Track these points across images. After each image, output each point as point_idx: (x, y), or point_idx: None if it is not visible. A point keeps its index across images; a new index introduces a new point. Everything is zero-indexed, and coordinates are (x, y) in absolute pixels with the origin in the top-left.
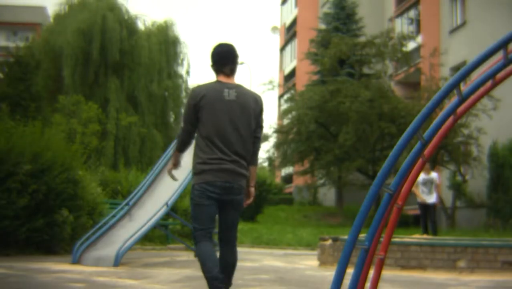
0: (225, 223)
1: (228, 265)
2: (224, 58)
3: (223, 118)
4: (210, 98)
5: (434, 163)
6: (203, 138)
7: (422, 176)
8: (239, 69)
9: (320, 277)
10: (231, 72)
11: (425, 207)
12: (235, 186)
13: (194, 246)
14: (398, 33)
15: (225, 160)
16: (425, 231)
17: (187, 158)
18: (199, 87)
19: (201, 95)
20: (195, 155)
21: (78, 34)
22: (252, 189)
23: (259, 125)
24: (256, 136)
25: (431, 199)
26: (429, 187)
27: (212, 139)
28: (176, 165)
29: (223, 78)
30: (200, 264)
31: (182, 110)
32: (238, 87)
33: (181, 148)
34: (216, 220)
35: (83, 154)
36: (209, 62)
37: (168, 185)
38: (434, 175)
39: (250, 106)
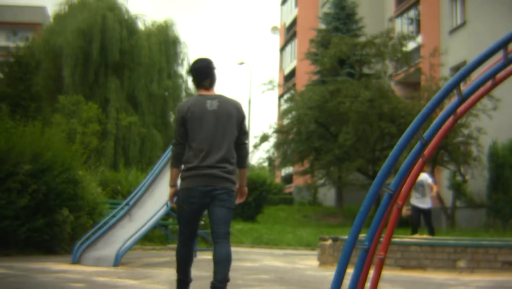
0: (213, 221)
1: (220, 260)
2: (203, 73)
3: (208, 127)
4: (195, 111)
5: (434, 162)
6: (191, 147)
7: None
8: (238, 70)
9: (320, 277)
10: (210, 84)
11: (419, 211)
12: (218, 188)
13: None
14: (398, 33)
15: (209, 166)
16: (414, 233)
17: None
18: (184, 103)
19: (187, 109)
20: (183, 163)
21: (78, 34)
22: (245, 189)
23: (243, 131)
24: (242, 143)
25: (425, 203)
26: (422, 190)
27: (199, 147)
28: (175, 186)
29: (203, 91)
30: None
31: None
32: (219, 97)
33: (176, 162)
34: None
35: (83, 154)
36: (190, 78)
37: (168, 185)
38: (424, 176)
39: (233, 114)
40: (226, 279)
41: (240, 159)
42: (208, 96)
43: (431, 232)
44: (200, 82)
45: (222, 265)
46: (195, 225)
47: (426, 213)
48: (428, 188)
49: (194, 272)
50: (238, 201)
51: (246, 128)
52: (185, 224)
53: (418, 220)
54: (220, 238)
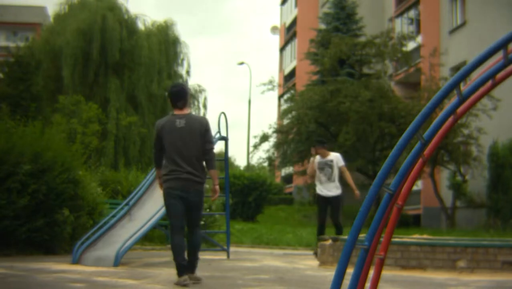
0: (188, 217)
1: (191, 245)
2: (177, 96)
3: (177, 141)
4: (166, 128)
5: (434, 162)
6: (166, 157)
7: (318, 159)
8: (238, 70)
9: (320, 277)
10: (183, 105)
11: (324, 200)
12: (192, 190)
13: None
14: (398, 33)
15: (181, 171)
16: (321, 233)
17: None
18: (160, 121)
19: (161, 127)
20: (163, 169)
21: (78, 34)
22: (217, 187)
23: (206, 140)
24: (206, 149)
25: (332, 190)
26: (329, 173)
27: (172, 157)
28: (161, 178)
29: (176, 111)
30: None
31: None
32: (187, 116)
33: (157, 164)
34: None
35: (83, 154)
36: (168, 100)
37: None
38: (333, 156)
39: (197, 128)
40: (196, 258)
41: (207, 162)
42: (178, 116)
43: (339, 231)
44: (175, 103)
45: (192, 250)
46: (181, 217)
47: (334, 203)
48: (337, 170)
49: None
50: (213, 198)
51: (210, 138)
52: (173, 215)
53: (325, 213)
54: (192, 229)
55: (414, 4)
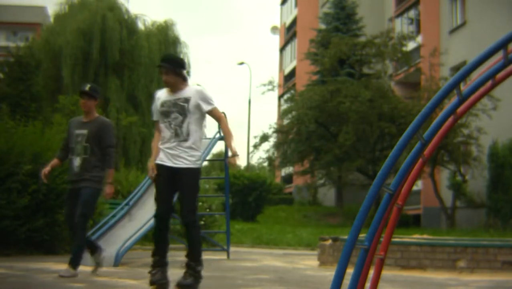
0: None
1: None
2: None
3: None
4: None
5: (434, 162)
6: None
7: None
8: (238, 70)
9: (320, 277)
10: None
11: (169, 172)
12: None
13: None
14: (398, 33)
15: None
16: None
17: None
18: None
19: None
20: None
21: (78, 34)
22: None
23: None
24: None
25: (182, 159)
26: (179, 121)
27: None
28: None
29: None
30: None
31: None
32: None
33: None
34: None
35: None
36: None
37: None
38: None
39: None
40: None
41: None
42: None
43: (190, 230)
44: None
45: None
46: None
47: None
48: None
49: None
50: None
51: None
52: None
53: (171, 195)
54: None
55: (414, 4)
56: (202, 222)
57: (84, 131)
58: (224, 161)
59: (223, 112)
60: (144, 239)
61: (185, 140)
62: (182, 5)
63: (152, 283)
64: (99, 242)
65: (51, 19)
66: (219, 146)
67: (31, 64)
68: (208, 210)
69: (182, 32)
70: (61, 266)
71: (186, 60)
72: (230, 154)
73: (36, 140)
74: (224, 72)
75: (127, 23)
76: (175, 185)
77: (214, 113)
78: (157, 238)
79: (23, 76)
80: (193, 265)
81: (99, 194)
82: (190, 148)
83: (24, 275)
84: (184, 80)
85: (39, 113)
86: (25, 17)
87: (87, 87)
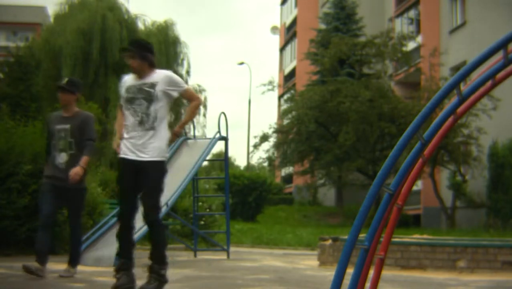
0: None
1: None
2: None
3: None
4: None
5: (434, 162)
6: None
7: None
8: (238, 70)
9: (320, 277)
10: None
11: (132, 167)
12: None
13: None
14: (398, 33)
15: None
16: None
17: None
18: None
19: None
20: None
21: (78, 34)
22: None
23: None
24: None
25: (148, 150)
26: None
27: None
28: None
29: None
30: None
31: (182, 111)
32: None
33: None
34: None
35: None
36: None
37: (168, 185)
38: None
39: None
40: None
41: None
42: None
43: (155, 229)
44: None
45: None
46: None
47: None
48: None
49: (194, 272)
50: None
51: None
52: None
53: (136, 192)
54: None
55: (414, 4)
56: (202, 222)
57: (67, 126)
58: (224, 161)
59: (201, 99)
60: (144, 239)
61: (151, 129)
62: (182, 5)
63: (116, 287)
64: (99, 242)
65: (51, 19)
66: (219, 146)
67: (31, 64)
68: (208, 210)
69: (182, 32)
70: (61, 266)
71: (186, 60)
72: (176, 129)
73: (36, 140)
74: (224, 72)
75: (127, 23)
76: (140, 180)
77: (186, 95)
78: (122, 238)
79: (23, 76)
80: (157, 268)
81: (87, 191)
82: (156, 137)
83: (24, 275)
84: (150, 65)
85: (39, 113)
86: (25, 17)
87: (65, 81)
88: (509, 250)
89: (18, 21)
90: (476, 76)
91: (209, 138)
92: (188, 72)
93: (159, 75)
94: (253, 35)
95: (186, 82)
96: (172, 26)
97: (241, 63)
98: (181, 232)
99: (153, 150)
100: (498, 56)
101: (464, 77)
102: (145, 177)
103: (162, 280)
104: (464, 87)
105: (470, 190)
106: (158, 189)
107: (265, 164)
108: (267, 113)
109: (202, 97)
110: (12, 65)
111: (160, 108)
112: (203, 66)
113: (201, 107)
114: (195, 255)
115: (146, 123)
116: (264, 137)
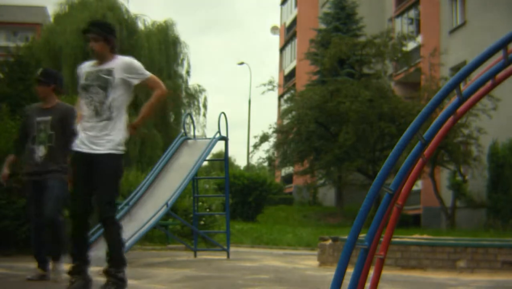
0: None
1: None
2: None
3: None
4: None
5: (434, 162)
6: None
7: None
8: (238, 70)
9: (320, 277)
10: None
11: (85, 161)
12: None
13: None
14: (398, 33)
15: None
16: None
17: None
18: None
19: None
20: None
21: (78, 34)
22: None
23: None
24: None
25: (105, 142)
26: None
27: None
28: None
29: None
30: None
31: (182, 111)
32: None
33: None
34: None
35: None
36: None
37: (168, 185)
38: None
39: None
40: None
41: None
42: None
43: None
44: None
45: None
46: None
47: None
48: (124, 105)
49: (194, 272)
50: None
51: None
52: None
53: (90, 189)
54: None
55: (414, 4)
56: (202, 222)
57: (47, 118)
58: (224, 161)
59: (165, 88)
60: (144, 239)
61: (107, 119)
62: (182, 5)
63: None
64: (99, 242)
65: (51, 19)
66: (219, 146)
67: (31, 64)
68: (208, 210)
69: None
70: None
71: (186, 60)
72: (136, 121)
73: None
74: (224, 72)
75: (127, 23)
76: (94, 174)
77: (149, 83)
78: (75, 239)
79: (23, 76)
80: (114, 271)
81: (67, 184)
82: (112, 128)
83: (24, 275)
84: (112, 50)
85: None
86: (25, 17)
87: (39, 72)
88: (509, 250)
89: (18, 21)
90: (476, 76)
91: (209, 138)
92: (188, 72)
93: (118, 61)
94: (253, 35)
95: (186, 82)
96: (172, 26)
97: (241, 63)
98: (181, 232)
99: (108, 143)
100: (498, 56)
101: (464, 77)
102: (99, 171)
103: (121, 283)
104: (464, 87)
105: (470, 190)
106: (113, 184)
107: (265, 164)
108: (267, 113)
109: (202, 97)
110: (12, 65)
111: (118, 98)
112: (203, 66)
113: (201, 107)
114: (195, 255)
115: (102, 113)
116: (264, 138)
